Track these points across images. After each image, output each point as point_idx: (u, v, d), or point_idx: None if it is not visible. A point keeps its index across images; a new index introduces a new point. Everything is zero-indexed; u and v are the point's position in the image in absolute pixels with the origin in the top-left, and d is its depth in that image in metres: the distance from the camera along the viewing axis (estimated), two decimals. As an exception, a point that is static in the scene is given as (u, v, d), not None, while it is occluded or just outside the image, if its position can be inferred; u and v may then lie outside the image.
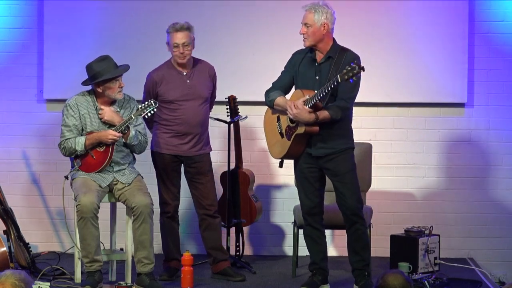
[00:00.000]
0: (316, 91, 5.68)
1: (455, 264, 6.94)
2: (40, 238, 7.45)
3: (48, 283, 5.78)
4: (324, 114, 5.69)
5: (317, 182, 5.94)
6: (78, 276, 6.20)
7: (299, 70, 5.89)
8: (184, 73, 6.34)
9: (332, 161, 5.83)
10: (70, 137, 6.06)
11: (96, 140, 6.03)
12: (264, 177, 7.46)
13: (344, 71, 5.53)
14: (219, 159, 7.24)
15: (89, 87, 6.17)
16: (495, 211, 7.41)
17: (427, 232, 6.59)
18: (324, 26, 5.78)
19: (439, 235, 6.66)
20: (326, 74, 5.75)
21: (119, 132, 5.99)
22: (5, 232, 6.56)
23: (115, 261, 6.39)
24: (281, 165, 6.04)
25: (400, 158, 7.43)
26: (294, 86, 5.97)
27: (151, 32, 7.31)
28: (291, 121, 5.80)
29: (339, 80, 5.53)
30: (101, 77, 6.01)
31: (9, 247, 6.47)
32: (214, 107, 6.65)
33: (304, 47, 5.92)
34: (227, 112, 6.85)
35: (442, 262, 6.70)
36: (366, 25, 7.28)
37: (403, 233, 6.65)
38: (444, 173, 7.43)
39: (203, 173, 6.39)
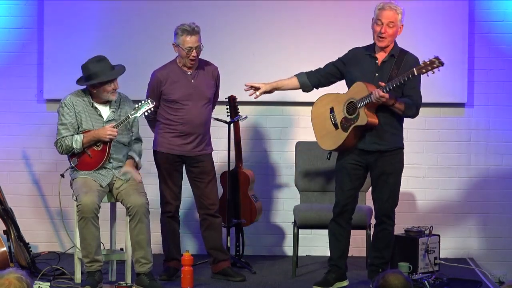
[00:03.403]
0: (385, 83, 5.73)
1: (455, 264, 6.94)
2: (40, 238, 7.45)
3: (48, 283, 5.79)
4: (401, 103, 5.80)
5: (357, 181, 5.98)
6: (78, 276, 6.21)
7: (357, 66, 5.93)
8: (189, 73, 6.34)
9: (383, 158, 5.89)
10: (67, 135, 6.08)
11: (94, 138, 6.04)
12: (264, 177, 7.46)
13: (422, 64, 5.61)
14: (219, 159, 7.24)
15: (84, 86, 6.19)
16: (495, 211, 7.41)
17: (427, 232, 6.58)
18: (401, 28, 5.93)
19: (439, 235, 6.66)
20: (387, 72, 5.84)
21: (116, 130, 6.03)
22: (5, 232, 6.56)
23: (115, 261, 6.39)
24: (329, 157, 6.09)
25: (400, 158, 7.43)
26: (346, 82, 6.01)
27: (151, 32, 7.32)
28: (349, 112, 5.83)
29: (415, 73, 5.64)
30: (96, 78, 6.01)
31: (9, 247, 6.47)
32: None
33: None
34: (227, 112, 6.85)
35: (442, 262, 6.69)
36: (366, 25, 7.27)
37: (403, 233, 6.65)
38: (444, 173, 7.43)
39: (206, 173, 6.39)
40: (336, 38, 7.15)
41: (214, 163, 6.59)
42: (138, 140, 6.32)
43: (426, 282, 6.06)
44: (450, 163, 7.43)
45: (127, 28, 7.38)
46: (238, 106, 6.86)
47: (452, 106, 7.41)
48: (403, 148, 6.02)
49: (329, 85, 6.10)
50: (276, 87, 6.13)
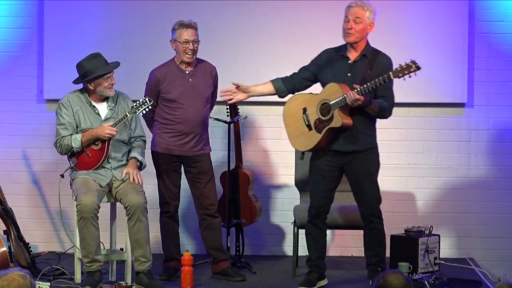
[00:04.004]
0: (360, 86, 5.69)
1: (455, 264, 6.94)
2: (40, 238, 7.45)
3: (48, 283, 5.79)
4: (375, 104, 5.77)
5: (332, 182, 5.97)
6: (78, 276, 6.21)
7: (330, 66, 5.92)
8: (187, 72, 6.34)
9: (358, 159, 5.88)
10: (66, 135, 6.08)
11: (93, 136, 6.05)
12: (264, 177, 7.46)
13: (399, 68, 5.60)
14: (219, 159, 7.24)
15: (81, 85, 6.19)
16: (495, 211, 7.41)
17: (427, 232, 6.58)
18: (371, 25, 5.89)
19: (439, 235, 6.65)
20: (359, 72, 5.82)
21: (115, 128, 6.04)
22: (5, 232, 6.56)
23: (115, 261, 6.39)
24: (302, 157, 6.08)
25: (400, 158, 7.44)
26: (320, 83, 5.99)
27: (151, 32, 7.32)
28: (323, 114, 5.81)
29: (392, 77, 5.65)
30: (92, 74, 6.03)
31: (9, 247, 6.48)
32: (214, 107, 6.65)
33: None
34: (227, 112, 6.85)
35: (442, 262, 6.69)
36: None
37: (403, 233, 6.65)
38: (444, 173, 7.43)
39: (204, 173, 6.39)
40: (337, 38, 7.13)
41: (214, 163, 6.59)
42: (141, 138, 6.30)
43: (426, 282, 6.05)
44: (450, 163, 7.43)
45: (127, 28, 7.38)
46: (238, 106, 6.86)
47: (452, 106, 7.41)
48: (377, 148, 6.00)
49: (304, 89, 6.07)
50: (251, 92, 6.09)
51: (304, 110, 5.93)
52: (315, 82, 6.06)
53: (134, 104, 6.09)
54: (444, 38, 7.29)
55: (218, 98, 6.50)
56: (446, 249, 7.07)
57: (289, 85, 6.05)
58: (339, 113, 5.76)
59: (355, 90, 5.67)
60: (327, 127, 5.81)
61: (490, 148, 7.42)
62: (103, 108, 6.18)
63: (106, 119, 6.15)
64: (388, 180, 7.39)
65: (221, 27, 7.34)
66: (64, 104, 6.14)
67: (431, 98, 7.35)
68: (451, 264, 6.89)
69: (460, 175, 7.43)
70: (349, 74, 5.86)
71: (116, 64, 6.14)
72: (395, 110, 7.36)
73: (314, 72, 6.01)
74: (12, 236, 6.52)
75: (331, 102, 5.77)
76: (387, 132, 7.41)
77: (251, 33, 7.36)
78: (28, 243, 6.55)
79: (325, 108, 5.82)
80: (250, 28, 7.36)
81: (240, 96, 6.06)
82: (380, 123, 7.36)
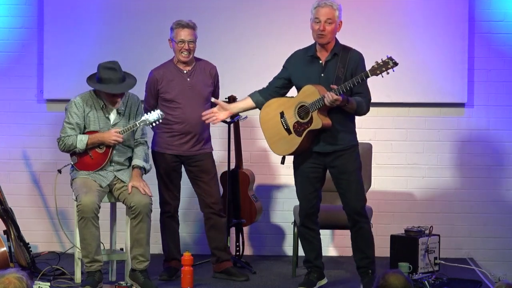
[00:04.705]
0: (337, 86, 5.64)
1: (455, 264, 6.94)
2: (40, 238, 7.45)
3: (48, 283, 5.79)
4: (352, 102, 5.72)
5: (318, 183, 5.95)
6: (78, 276, 6.21)
7: (301, 69, 5.88)
8: (185, 71, 6.35)
9: (340, 158, 5.84)
10: (72, 134, 6.07)
11: (99, 140, 6.05)
12: (264, 177, 7.46)
13: (376, 65, 5.55)
14: (219, 159, 7.24)
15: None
16: (495, 211, 7.41)
17: (427, 232, 6.59)
18: (340, 24, 5.84)
19: (439, 235, 6.66)
20: (332, 71, 5.77)
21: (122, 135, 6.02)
22: (5, 232, 6.56)
23: (115, 261, 6.39)
24: (283, 162, 6.02)
25: (400, 158, 7.44)
26: (295, 86, 5.96)
27: (151, 32, 7.32)
28: (301, 116, 5.78)
29: (369, 75, 5.59)
30: (101, 85, 5.99)
31: (9, 247, 6.47)
32: (215, 107, 6.65)
33: (299, 48, 5.98)
34: (227, 112, 6.85)
35: (442, 262, 6.70)
36: (366, 25, 7.28)
37: (403, 233, 6.65)
38: (444, 173, 7.43)
39: (206, 172, 6.39)
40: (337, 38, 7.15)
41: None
42: (142, 138, 6.26)
43: (426, 282, 6.05)
44: (450, 163, 7.43)
45: (127, 28, 7.38)
46: (238, 106, 6.85)
47: (452, 106, 7.41)
48: (357, 145, 5.96)
49: (283, 96, 6.02)
50: (232, 109, 6.06)
51: (282, 114, 5.87)
52: (290, 87, 6.00)
53: (146, 114, 6.03)
54: (444, 38, 7.29)
55: (220, 98, 6.51)
56: (446, 249, 7.06)
57: (266, 96, 5.98)
58: (318, 115, 5.71)
59: (332, 91, 5.63)
60: (307, 130, 5.75)
61: (490, 148, 7.42)
62: (113, 112, 6.16)
63: (114, 124, 6.13)
64: (388, 180, 7.40)
65: (221, 27, 7.34)
66: (77, 103, 6.12)
67: (431, 98, 7.35)
68: (451, 264, 6.90)
69: (460, 175, 7.43)
70: (322, 75, 5.80)
71: (128, 85, 6.08)
72: (395, 110, 7.42)
73: (287, 78, 5.95)
74: (12, 236, 6.52)
75: (309, 104, 5.73)
76: (387, 132, 7.42)
77: (251, 33, 7.36)
78: (28, 243, 6.55)
79: (303, 111, 5.77)
80: (250, 28, 7.36)
81: (221, 115, 6.04)
82: (380, 122, 7.41)
